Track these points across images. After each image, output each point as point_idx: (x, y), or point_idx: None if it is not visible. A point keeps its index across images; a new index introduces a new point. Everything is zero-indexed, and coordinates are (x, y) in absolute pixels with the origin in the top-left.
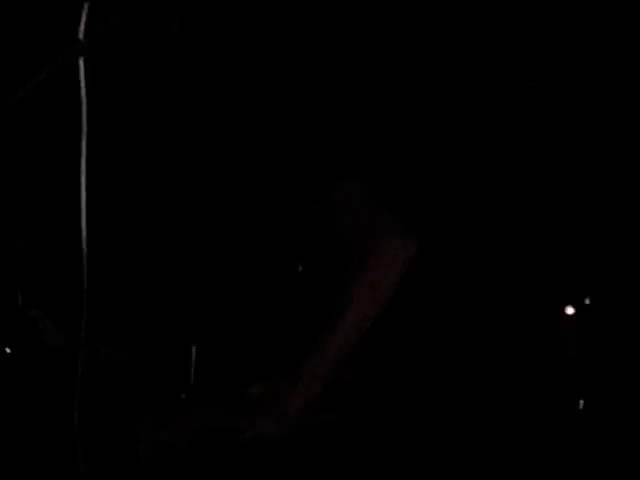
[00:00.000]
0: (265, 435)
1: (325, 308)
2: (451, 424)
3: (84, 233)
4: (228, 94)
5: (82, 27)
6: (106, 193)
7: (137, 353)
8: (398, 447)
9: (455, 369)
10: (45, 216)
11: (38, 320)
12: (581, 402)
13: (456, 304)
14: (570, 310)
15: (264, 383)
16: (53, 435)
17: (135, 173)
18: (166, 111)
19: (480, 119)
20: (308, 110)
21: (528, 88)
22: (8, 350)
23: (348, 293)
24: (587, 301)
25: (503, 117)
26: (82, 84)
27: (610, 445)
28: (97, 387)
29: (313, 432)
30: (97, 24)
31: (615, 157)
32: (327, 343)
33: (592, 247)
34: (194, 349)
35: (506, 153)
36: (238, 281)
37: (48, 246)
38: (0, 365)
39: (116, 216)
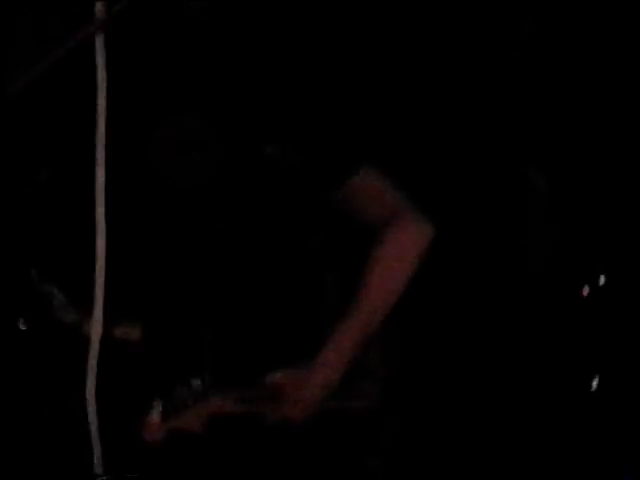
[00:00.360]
0: (285, 421)
1: (342, 294)
2: (471, 414)
3: (100, 209)
4: (246, 80)
5: (99, 4)
6: (122, 173)
7: (152, 334)
8: (415, 434)
9: (476, 356)
10: (60, 192)
11: (52, 296)
12: (594, 383)
13: (473, 289)
14: (586, 291)
15: (283, 370)
16: (66, 415)
17: (151, 153)
18: (183, 90)
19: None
20: (323, 101)
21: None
22: (22, 326)
23: (364, 281)
24: (601, 281)
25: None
26: (99, 62)
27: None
28: (111, 368)
29: (338, 418)
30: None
31: (624, 146)
32: (344, 330)
33: (604, 228)
34: (210, 333)
35: (515, 137)
36: (255, 265)
37: (63, 222)
38: (14, 341)
39: (132, 194)
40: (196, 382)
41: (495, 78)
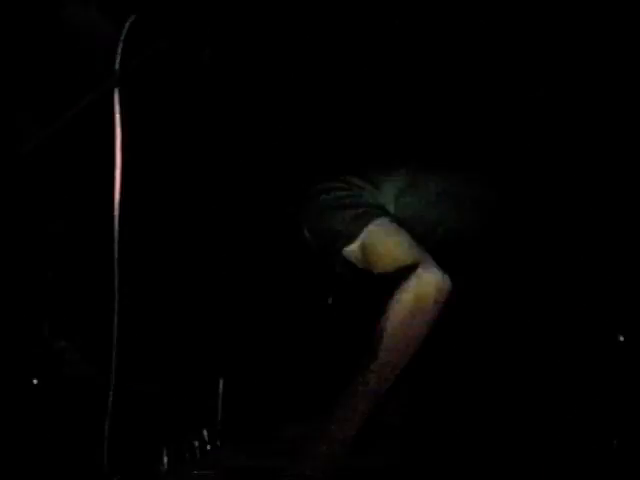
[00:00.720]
0: (301, 477)
1: (356, 346)
2: (491, 466)
3: (115, 266)
4: (255, 116)
5: (118, 57)
6: (137, 226)
7: (165, 386)
8: None
9: (493, 405)
10: (75, 247)
11: (65, 352)
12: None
13: (490, 339)
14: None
15: (298, 424)
16: (81, 465)
17: (166, 201)
18: (195, 133)
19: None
20: (339, 154)
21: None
22: (35, 381)
23: (380, 334)
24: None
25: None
26: (117, 111)
27: None
28: (125, 419)
29: (359, 474)
30: (132, 55)
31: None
32: (360, 384)
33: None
34: (223, 384)
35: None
36: (271, 318)
37: (76, 278)
38: (27, 396)
39: (146, 247)
40: (207, 433)
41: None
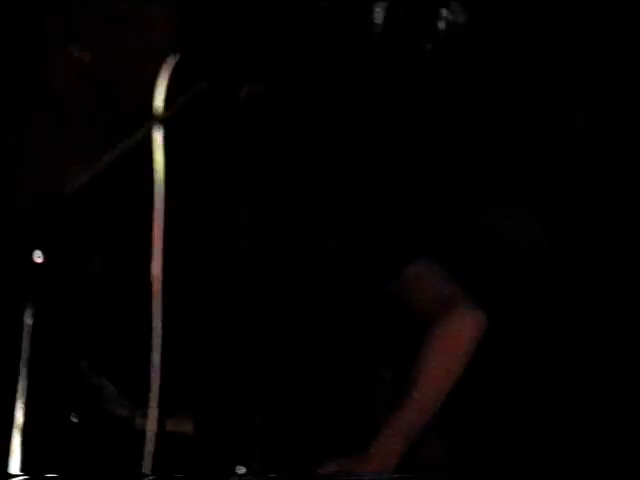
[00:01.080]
0: None
1: (395, 385)
2: None
3: (156, 304)
4: (299, 173)
5: (159, 98)
6: (179, 263)
7: (204, 423)
8: None
9: (532, 440)
10: (113, 284)
11: (103, 388)
12: None
13: (530, 375)
14: None
15: (336, 460)
16: None
17: (210, 242)
18: (236, 181)
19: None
20: (377, 193)
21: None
22: (74, 418)
23: (418, 371)
24: None
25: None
26: (159, 151)
27: None
28: (162, 456)
29: None
30: (174, 95)
31: None
32: (398, 421)
33: None
34: (261, 421)
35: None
36: (308, 354)
37: (115, 314)
38: (65, 433)
39: (185, 284)
40: (241, 469)
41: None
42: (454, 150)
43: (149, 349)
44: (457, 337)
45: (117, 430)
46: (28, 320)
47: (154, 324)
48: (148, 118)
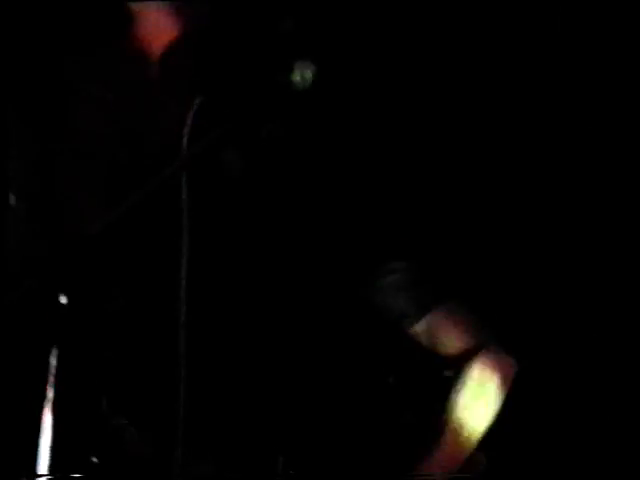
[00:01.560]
0: None
1: (422, 428)
2: None
3: (182, 343)
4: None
5: (185, 141)
6: (201, 307)
7: (225, 464)
8: None
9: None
10: (135, 325)
11: (124, 429)
12: None
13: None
14: None
15: None
16: None
17: (231, 281)
18: (261, 226)
19: None
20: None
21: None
22: (94, 460)
23: (447, 418)
24: None
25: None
26: (184, 196)
27: None
28: None
29: None
30: (198, 138)
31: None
32: (428, 465)
33: None
34: (284, 462)
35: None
36: (334, 399)
37: (135, 354)
38: (86, 474)
39: (209, 328)
40: None
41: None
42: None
43: (171, 390)
44: (485, 384)
45: (138, 472)
46: (53, 361)
47: (180, 366)
48: (171, 158)
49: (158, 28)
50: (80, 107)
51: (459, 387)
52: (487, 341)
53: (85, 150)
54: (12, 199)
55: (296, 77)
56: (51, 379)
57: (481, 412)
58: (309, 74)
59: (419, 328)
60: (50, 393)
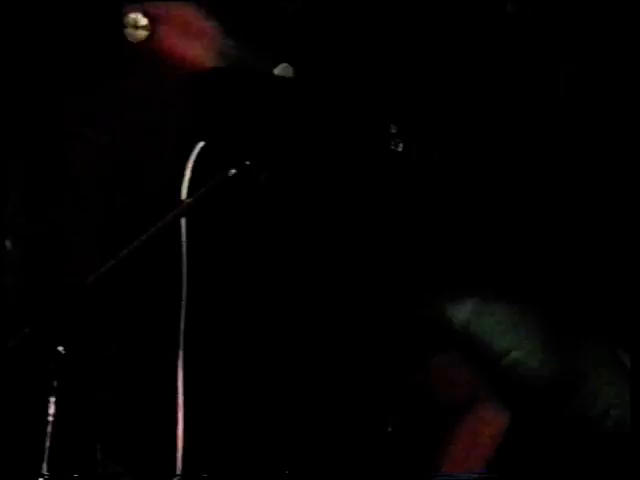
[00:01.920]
0: None
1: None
2: None
3: (180, 394)
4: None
5: (185, 189)
6: (201, 357)
7: None
8: None
9: None
10: (130, 370)
11: (118, 477)
12: None
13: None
14: None
15: None
16: None
17: (231, 327)
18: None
19: None
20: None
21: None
22: None
23: (438, 465)
24: None
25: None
26: (183, 241)
27: None
28: None
29: None
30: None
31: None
32: None
33: None
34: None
35: None
36: (331, 440)
37: (130, 401)
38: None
39: (207, 378)
40: None
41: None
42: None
43: (167, 436)
44: (478, 437)
45: None
46: (51, 409)
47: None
48: (169, 202)
49: (187, 32)
50: (77, 151)
51: (452, 438)
52: (482, 393)
53: (82, 195)
54: (8, 244)
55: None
56: (49, 427)
57: (472, 463)
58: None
59: (418, 375)
60: (47, 442)
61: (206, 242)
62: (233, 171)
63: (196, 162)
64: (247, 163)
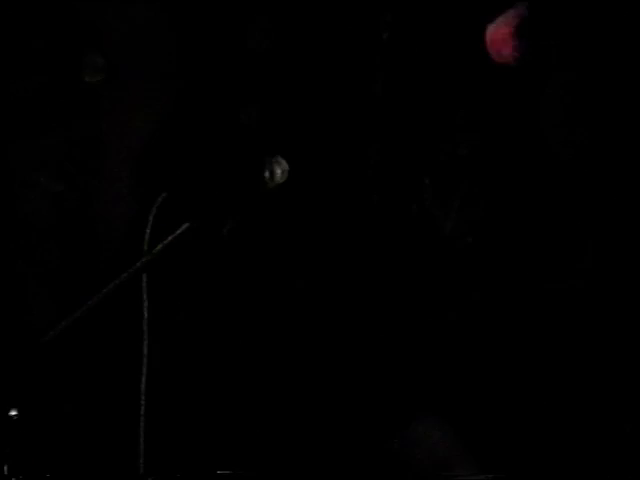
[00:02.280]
0: None
1: None
2: None
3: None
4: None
5: (146, 238)
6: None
7: None
8: None
9: None
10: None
11: None
12: None
13: None
14: None
15: None
16: None
17: (196, 384)
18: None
19: None
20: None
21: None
22: None
23: None
24: None
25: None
26: (144, 297)
27: None
28: None
29: None
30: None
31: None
32: None
33: None
34: None
35: None
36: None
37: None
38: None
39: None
40: None
41: None
42: None
43: None
44: None
45: None
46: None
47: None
48: (125, 252)
49: None
50: (27, 199)
51: None
52: (459, 458)
53: (34, 245)
54: None
55: (266, 174)
56: None
57: None
58: (279, 172)
59: (397, 443)
60: None
61: (168, 296)
62: (186, 225)
63: (157, 214)
64: (187, 224)
